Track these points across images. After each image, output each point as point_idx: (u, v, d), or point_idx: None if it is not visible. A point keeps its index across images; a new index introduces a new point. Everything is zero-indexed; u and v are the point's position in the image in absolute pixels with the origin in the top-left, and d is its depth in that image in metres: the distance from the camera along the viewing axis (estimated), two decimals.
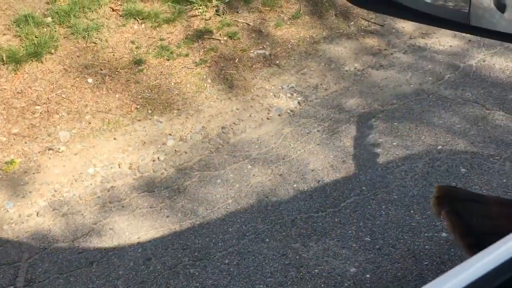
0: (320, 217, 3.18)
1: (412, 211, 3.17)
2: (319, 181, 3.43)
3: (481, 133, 3.66)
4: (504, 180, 3.31)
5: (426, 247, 2.97)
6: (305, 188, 3.39)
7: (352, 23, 4.89)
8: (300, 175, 3.48)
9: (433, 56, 4.49)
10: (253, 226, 3.17)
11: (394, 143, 3.64)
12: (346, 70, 4.39)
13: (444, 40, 4.67)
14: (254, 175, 3.52)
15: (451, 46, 4.60)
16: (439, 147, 3.59)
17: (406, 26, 4.87)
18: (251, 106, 4.08)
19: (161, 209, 3.34)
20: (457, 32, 4.71)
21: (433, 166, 3.45)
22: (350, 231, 3.08)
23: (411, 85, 4.18)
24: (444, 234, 3.02)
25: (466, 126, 3.74)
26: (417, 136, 3.68)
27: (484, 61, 4.39)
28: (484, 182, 3.33)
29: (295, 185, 3.42)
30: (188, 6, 4.81)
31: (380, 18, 4.95)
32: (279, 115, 3.99)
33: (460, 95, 4.04)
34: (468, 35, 4.66)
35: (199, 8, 4.79)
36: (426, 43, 4.66)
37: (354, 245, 3.01)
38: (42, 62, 4.22)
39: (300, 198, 3.32)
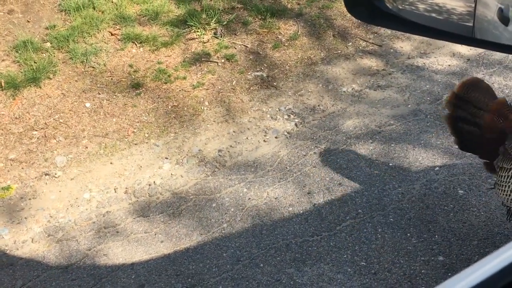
0: (315, 241, 3.15)
1: (408, 234, 3.13)
2: (314, 204, 3.40)
3: None
4: None
5: (422, 271, 2.93)
6: (301, 212, 3.36)
7: (350, 43, 4.89)
8: (296, 198, 3.45)
9: (431, 76, 4.47)
10: (248, 251, 3.14)
11: (391, 165, 3.61)
12: (344, 91, 4.38)
13: (443, 60, 4.65)
14: (249, 198, 3.50)
15: (449, 65, 4.58)
16: (437, 168, 3.56)
17: (405, 46, 4.86)
18: (248, 129, 4.07)
19: (155, 234, 3.32)
20: (456, 51, 4.71)
21: (430, 188, 3.41)
22: (345, 256, 3.04)
23: (409, 106, 4.16)
24: (441, 258, 2.98)
25: None
26: (414, 158, 3.65)
27: None
28: (482, 204, 3.29)
29: (290, 209, 3.39)
30: (186, 29, 4.84)
31: (379, 39, 4.95)
32: (276, 137, 3.98)
33: None
34: (467, 53, 4.65)
35: (197, 31, 4.81)
36: (424, 63, 4.64)
37: (349, 269, 2.97)
38: (40, 87, 4.24)
39: (296, 221, 3.29)
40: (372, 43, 4.90)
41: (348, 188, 3.49)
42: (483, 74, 4.43)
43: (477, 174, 3.49)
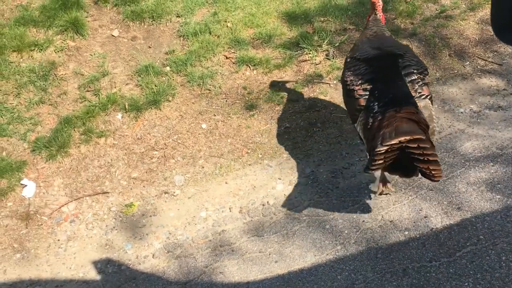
0: (433, 267, 3.05)
1: None
2: (432, 228, 3.30)
3: None
4: None
5: None
6: (417, 236, 3.27)
7: (468, 62, 4.73)
8: (411, 222, 3.37)
9: None
10: (363, 274, 3.10)
11: None
12: (461, 112, 4.23)
13: None
14: (363, 221, 3.45)
15: None
16: None
17: None
18: (361, 150, 4.03)
19: (269, 254, 3.36)
20: None
21: None
22: (466, 283, 2.92)
23: None
24: None
25: None
26: None
27: None
28: None
29: (406, 233, 3.31)
30: (299, 51, 4.90)
31: (499, 57, 4.75)
32: None
33: None
34: None
35: (309, 53, 4.85)
36: None
37: None
38: (160, 109, 4.46)
39: (412, 246, 3.21)
40: (492, 62, 4.71)
41: (468, 213, 3.35)
42: None
43: None
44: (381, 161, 2.94)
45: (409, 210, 3.46)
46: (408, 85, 3.26)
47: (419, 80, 3.30)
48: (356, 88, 3.36)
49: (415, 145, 2.83)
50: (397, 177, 3.72)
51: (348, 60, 3.62)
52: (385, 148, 2.86)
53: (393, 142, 2.84)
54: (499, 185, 3.49)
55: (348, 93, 3.45)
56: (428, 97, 3.29)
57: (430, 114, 3.24)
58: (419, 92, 3.25)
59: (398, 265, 3.10)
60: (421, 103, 3.21)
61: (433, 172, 2.90)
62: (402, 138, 2.83)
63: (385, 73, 3.33)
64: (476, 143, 3.90)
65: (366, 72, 3.39)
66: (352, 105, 3.43)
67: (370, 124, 3.14)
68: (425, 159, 2.86)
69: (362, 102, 3.29)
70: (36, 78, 4.60)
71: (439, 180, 3.00)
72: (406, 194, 3.58)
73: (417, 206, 3.47)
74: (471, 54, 4.81)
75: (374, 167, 2.96)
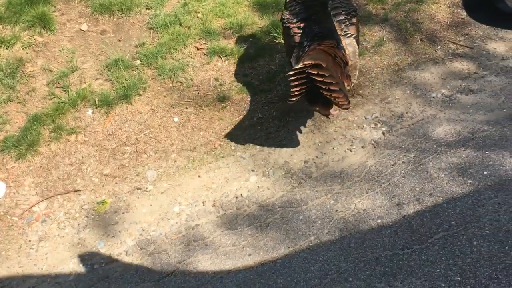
0: (406, 255, 3.05)
1: (507, 247, 2.95)
2: (404, 216, 3.29)
3: None
4: None
5: None
6: (390, 224, 3.26)
7: (439, 47, 4.72)
8: (384, 210, 3.36)
9: None
10: (336, 264, 3.09)
11: (486, 173, 3.44)
12: (433, 97, 4.23)
13: None
14: (337, 210, 3.45)
15: None
16: None
17: (498, 46, 4.62)
18: (334, 139, 4.02)
19: (243, 247, 3.34)
20: None
21: None
22: (438, 270, 2.92)
23: (504, 110, 3.95)
24: None
25: None
26: (511, 166, 3.45)
27: None
28: None
29: (379, 221, 3.30)
30: (271, 41, 4.85)
31: (470, 40, 4.74)
32: (362, 146, 3.90)
33: None
34: None
35: (281, 42, 4.81)
36: None
37: (443, 285, 2.85)
38: (131, 104, 4.40)
39: (385, 234, 3.21)
40: (463, 45, 4.70)
41: (440, 199, 3.35)
42: None
43: None
44: (296, 89, 3.34)
45: (382, 198, 3.45)
46: (336, 24, 3.72)
47: (346, 20, 3.77)
48: (292, 26, 3.81)
49: (316, 72, 3.21)
50: (370, 164, 3.72)
51: (287, 0, 3.96)
52: (293, 72, 3.28)
53: (298, 66, 3.26)
54: (470, 170, 3.49)
55: (285, 31, 3.91)
56: (353, 35, 3.77)
57: (354, 51, 3.75)
58: (345, 31, 3.74)
59: (371, 254, 3.10)
60: (346, 41, 3.72)
61: (337, 100, 3.37)
62: (306, 63, 3.23)
63: (316, 14, 3.75)
64: (448, 128, 3.90)
65: (300, 12, 3.81)
66: (288, 42, 3.89)
67: (299, 57, 3.64)
68: (328, 87, 3.27)
69: (297, 39, 3.76)
70: (3, 75, 4.51)
71: (346, 109, 3.57)
72: (379, 182, 3.57)
73: (390, 193, 3.47)
74: (443, 38, 4.80)
75: (292, 96, 3.38)
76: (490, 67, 4.44)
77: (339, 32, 3.69)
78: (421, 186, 3.47)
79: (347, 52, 3.71)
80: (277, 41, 4.84)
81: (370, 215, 3.36)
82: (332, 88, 3.27)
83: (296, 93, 3.35)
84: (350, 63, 3.73)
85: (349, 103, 3.47)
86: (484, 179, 3.41)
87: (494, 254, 2.93)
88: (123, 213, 3.73)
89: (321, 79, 3.22)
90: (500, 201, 3.22)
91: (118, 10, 5.15)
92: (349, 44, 3.73)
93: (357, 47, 3.79)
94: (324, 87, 3.26)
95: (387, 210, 3.36)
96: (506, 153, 3.56)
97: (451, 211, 3.25)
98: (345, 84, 3.62)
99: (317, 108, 3.79)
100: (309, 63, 3.22)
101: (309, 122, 4.19)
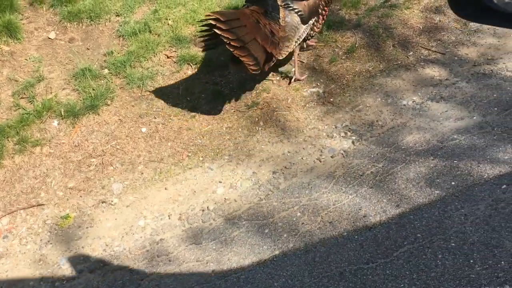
0: (370, 269, 2.99)
1: (471, 261, 2.91)
2: (370, 228, 3.24)
3: None
4: None
5: None
6: (356, 237, 3.21)
7: (411, 53, 4.67)
8: (351, 222, 3.31)
9: (499, 84, 4.19)
10: (300, 280, 3.03)
11: (453, 183, 3.39)
12: (404, 105, 4.18)
13: None
14: (303, 223, 3.38)
15: None
16: (504, 186, 3.30)
17: (470, 52, 4.59)
18: (303, 148, 3.96)
19: (207, 263, 3.27)
20: None
21: (497, 208, 3.16)
22: (402, 285, 2.87)
23: (474, 117, 3.91)
24: (507, 287, 2.75)
25: None
26: (479, 175, 3.41)
27: None
28: None
29: (345, 234, 3.25)
30: None
31: (442, 46, 4.70)
32: (331, 156, 3.85)
33: None
34: None
35: None
36: (492, 70, 4.36)
37: None
38: (98, 114, 4.32)
39: (350, 248, 3.15)
40: (435, 51, 4.66)
41: (407, 210, 3.30)
42: None
43: None
44: (202, 38, 3.94)
45: (349, 209, 3.39)
46: None
47: None
48: None
49: (215, 23, 3.55)
50: (339, 174, 3.66)
51: None
52: (203, 23, 3.73)
53: (204, 17, 3.69)
54: (438, 180, 3.44)
55: None
56: (296, 10, 4.04)
57: (291, 24, 4.05)
58: (286, 4, 4.01)
59: (335, 269, 3.04)
60: (284, 12, 4.02)
61: (242, 59, 3.73)
62: (209, 13, 3.61)
63: None
64: (417, 137, 3.86)
65: None
66: None
67: None
68: (229, 42, 3.60)
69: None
70: None
71: (254, 71, 3.84)
72: (347, 193, 3.52)
73: (357, 205, 3.41)
74: (415, 43, 4.76)
75: (203, 44, 4.01)
76: (461, 73, 4.40)
77: (279, 3, 4.00)
78: (389, 197, 3.42)
79: (282, 24, 4.01)
80: None
81: (336, 228, 3.30)
82: (232, 44, 3.62)
83: (202, 41, 3.97)
84: (281, 33, 4.02)
85: (258, 68, 3.84)
86: (452, 189, 3.36)
87: (459, 267, 2.88)
88: (87, 227, 3.65)
89: (219, 32, 3.57)
90: (467, 212, 3.18)
91: (87, 18, 5.06)
92: (287, 16, 4.03)
93: (300, 22, 4.09)
94: (225, 41, 3.62)
95: (353, 222, 3.31)
96: (474, 162, 3.51)
97: (418, 223, 3.19)
98: (268, 49, 3.92)
99: (236, 67, 4.16)
100: (209, 14, 3.60)
101: (278, 131, 4.13)
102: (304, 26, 4.15)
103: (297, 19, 4.08)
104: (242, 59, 3.75)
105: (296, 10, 4.05)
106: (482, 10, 1.56)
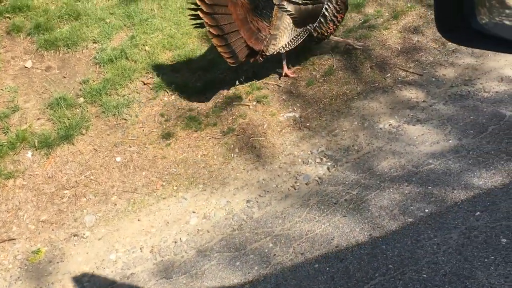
0: None
1: None
2: (342, 259, 3.18)
3: None
4: None
5: None
6: (327, 269, 3.14)
7: (389, 74, 4.64)
8: (322, 254, 3.25)
9: (476, 106, 4.14)
10: None
11: (427, 211, 3.34)
12: (380, 128, 4.13)
13: (490, 86, 4.31)
14: (275, 255, 3.32)
15: (497, 92, 4.24)
16: (477, 213, 3.24)
17: (448, 73, 4.55)
18: (278, 175, 3.91)
19: None
20: (505, 75, 4.38)
21: (469, 237, 3.11)
22: None
23: (450, 141, 3.86)
24: None
25: (509, 186, 3.38)
26: (453, 202, 3.36)
27: None
28: None
29: (316, 265, 3.19)
30: (219, 73, 4.76)
31: (420, 67, 4.67)
32: (306, 183, 3.79)
33: (505, 149, 3.67)
34: None
35: (229, 74, 4.71)
36: (469, 91, 4.32)
37: None
38: (73, 144, 4.28)
39: (321, 280, 3.08)
40: (413, 72, 4.62)
41: (379, 240, 3.24)
42: None
43: None
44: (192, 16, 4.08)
45: (321, 240, 3.34)
46: None
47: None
48: None
49: (199, 4, 3.81)
50: (313, 203, 3.61)
51: None
52: (192, 6, 3.96)
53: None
54: (411, 207, 3.39)
55: None
56: (289, 13, 4.18)
57: (280, 25, 4.21)
58: (281, 5, 4.17)
59: None
60: (278, 12, 4.18)
61: (217, 48, 4.00)
62: None
63: None
64: (392, 162, 3.81)
65: None
66: None
67: None
68: (209, 30, 3.89)
69: None
70: None
71: (229, 62, 4.14)
72: (320, 222, 3.46)
73: (330, 235, 3.35)
74: (393, 65, 4.72)
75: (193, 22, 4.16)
76: (438, 94, 4.36)
77: (274, 2, 4.18)
78: (361, 226, 3.36)
79: (273, 22, 4.22)
80: (225, 74, 4.75)
81: (308, 260, 3.24)
82: (211, 31, 3.90)
83: (190, 18, 4.13)
84: (269, 31, 4.22)
85: (235, 61, 4.12)
86: (425, 217, 3.30)
87: None
88: (57, 262, 3.59)
89: (201, 14, 3.84)
90: (439, 241, 3.12)
91: (64, 46, 5.04)
92: (278, 16, 4.20)
93: (292, 25, 4.26)
94: (206, 26, 3.89)
95: (325, 253, 3.25)
96: (449, 188, 3.46)
97: (390, 253, 3.14)
98: (250, 44, 4.14)
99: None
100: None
101: (253, 158, 4.08)
102: (299, 29, 4.27)
103: (288, 21, 4.25)
104: (218, 49, 4.00)
105: (289, 13, 4.21)
106: (471, 33, 1.54)
